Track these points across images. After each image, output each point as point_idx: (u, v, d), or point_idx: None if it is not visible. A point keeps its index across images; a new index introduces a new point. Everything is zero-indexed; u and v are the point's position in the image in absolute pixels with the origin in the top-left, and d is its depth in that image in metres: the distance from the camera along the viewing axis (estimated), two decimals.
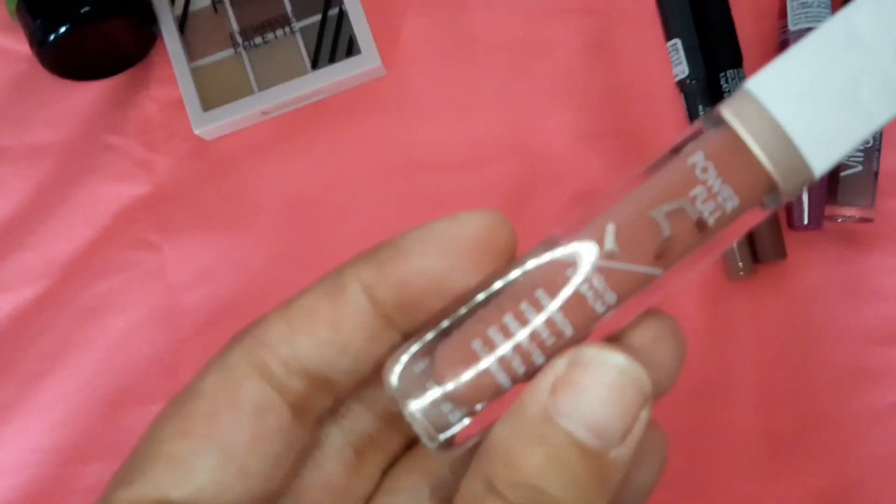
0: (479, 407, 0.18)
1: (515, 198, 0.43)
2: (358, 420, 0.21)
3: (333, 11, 0.43)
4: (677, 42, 0.42)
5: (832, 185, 0.41)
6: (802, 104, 0.17)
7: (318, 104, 0.44)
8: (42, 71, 0.42)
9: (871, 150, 0.41)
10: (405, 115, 0.44)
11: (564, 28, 0.44)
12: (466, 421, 0.18)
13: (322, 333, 0.18)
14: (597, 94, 0.44)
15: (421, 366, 0.18)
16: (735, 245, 0.41)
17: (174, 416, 0.18)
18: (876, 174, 0.41)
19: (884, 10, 0.17)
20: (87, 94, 0.45)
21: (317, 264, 0.44)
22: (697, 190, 0.18)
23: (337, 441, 0.20)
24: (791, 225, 0.42)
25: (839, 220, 0.42)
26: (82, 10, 0.40)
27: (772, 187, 0.18)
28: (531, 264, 0.18)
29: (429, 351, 0.19)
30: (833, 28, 0.17)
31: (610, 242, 0.18)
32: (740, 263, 0.41)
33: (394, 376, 0.18)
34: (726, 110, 0.18)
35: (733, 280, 0.42)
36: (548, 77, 0.44)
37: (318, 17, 0.43)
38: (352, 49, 0.43)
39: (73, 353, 0.43)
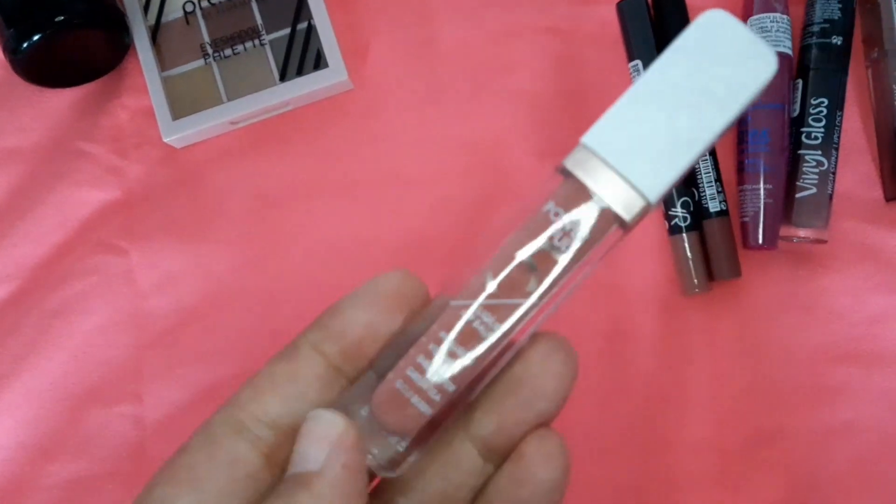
0: (413, 434, 0.22)
1: (476, 212, 0.44)
2: None
3: (302, 25, 0.44)
4: (639, 63, 0.43)
5: (787, 205, 0.42)
6: (630, 146, 0.21)
7: (286, 115, 0.45)
8: (16, 77, 0.43)
9: (826, 172, 0.42)
10: (371, 128, 0.45)
11: (529, 47, 0.45)
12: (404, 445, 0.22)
13: (282, 388, 0.22)
14: (560, 113, 0.44)
15: (365, 409, 0.22)
16: (691, 261, 0.42)
17: (166, 467, 0.22)
18: (830, 196, 0.42)
19: (689, 58, 0.21)
20: (60, 101, 0.46)
21: (281, 273, 0.45)
22: (553, 231, 0.21)
23: None
24: (746, 244, 0.43)
25: (794, 241, 0.43)
26: (56, 20, 0.41)
27: (616, 217, 0.21)
28: (435, 312, 0.22)
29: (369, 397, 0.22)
30: (649, 78, 0.21)
31: (492, 287, 0.22)
32: (695, 280, 0.42)
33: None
34: (568, 162, 0.21)
35: (688, 296, 0.43)
36: (512, 95, 0.45)
37: (287, 31, 0.44)
38: (319, 62, 0.44)
39: (41, 354, 0.44)
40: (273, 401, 0.22)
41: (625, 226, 0.21)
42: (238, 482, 0.21)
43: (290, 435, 0.22)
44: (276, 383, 0.22)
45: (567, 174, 0.21)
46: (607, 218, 0.21)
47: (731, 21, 0.21)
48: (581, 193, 0.21)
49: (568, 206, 0.21)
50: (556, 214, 0.21)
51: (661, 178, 0.21)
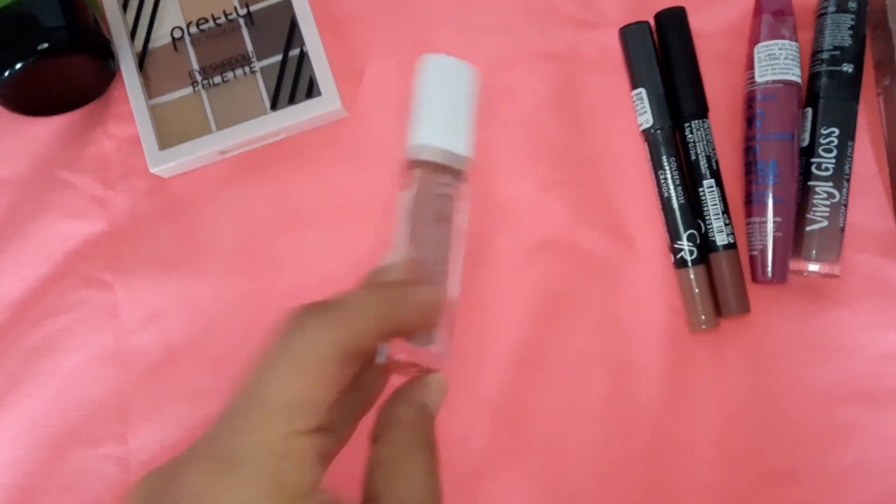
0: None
1: (477, 244, 0.42)
2: None
3: (294, 52, 0.43)
4: (642, 91, 0.42)
5: (797, 238, 0.41)
6: (439, 131, 0.33)
7: (278, 144, 0.44)
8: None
9: (838, 204, 0.40)
10: (365, 158, 0.43)
11: (529, 74, 0.43)
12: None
13: None
14: (560, 142, 0.43)
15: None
16: (697, 296, 0.41)
17: None
18: (842, 229, 0.41)
19: (433, 81, 0.33)
20: (43, 130, 0.44)
21: (271, 307, 0.43)
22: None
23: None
24: (755, 278, 0.41)
25: (804, 275, 0.41)
26: (39, 47, 0.40)
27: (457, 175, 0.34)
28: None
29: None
30: (420, 87, 0.33)
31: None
32: (702, 316, 0.41)
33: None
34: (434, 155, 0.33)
35: (694, 332, 0.41)
36: (511, 124, 0.43)
37: (279, 58, 0.43)
38: (312, 90, 0.42)
39: (22, 392, 0.42)
40: None
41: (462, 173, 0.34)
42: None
43: None
44: None
45: (425, 163, 0.33)
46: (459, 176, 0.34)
47: (440, 57, 0.34)
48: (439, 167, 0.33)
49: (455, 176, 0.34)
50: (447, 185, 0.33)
51: (465, 142, 0.34)
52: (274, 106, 0.42)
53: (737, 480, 0.40)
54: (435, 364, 0.31)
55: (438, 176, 0.33)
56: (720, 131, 0.42)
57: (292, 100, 0.42)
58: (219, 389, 0.42)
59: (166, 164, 0.42)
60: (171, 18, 0.44)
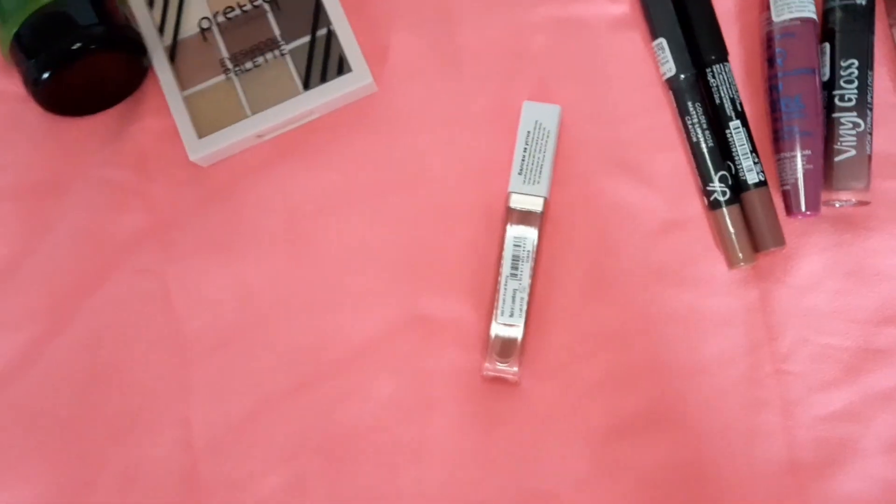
0: None
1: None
2: None
3: (322, 32, 0.44)
4: (662, 41, 0.43)
5: (827, 170, 0.42)
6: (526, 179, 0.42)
7: (313, 124, 0.44)
8: (35, 109, 0.43)
9: (864, 133, 0.41)
10: (398, 130, 0.44)
11: (550, 36, 0.44)
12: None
13: None
14: (586, 102, 0.44)
15: None
16: (733, 234, 0.42)
17: None
18: (869, 157, 0.42)
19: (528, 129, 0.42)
20: (82, 130, 0.45)
21: (318, 282, 0.44)
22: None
23: None
24: (789, 212, 0.42)
25: (836, 205, 0.42)
26: (73, 47, 0.40)
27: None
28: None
29: None
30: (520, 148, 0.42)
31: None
32: (740, 254, 0.42)
33: None
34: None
35: (733, 269, 0.42)
36: (537, 86, 0.44)
37: (307, 38, 0.44)
38: (342, 67, 0.43)
39: (83, 388, 0.43)
40: None
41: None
42: None
43: None
44: None
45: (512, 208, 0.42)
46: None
47: (535, 104, 0.42)
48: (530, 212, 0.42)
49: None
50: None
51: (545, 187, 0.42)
52: (306, 86, 0.43)
53: (787, 413, 0.42)
54: None
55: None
56: (740, 74, 0.43)
57: (324, 78, 0.43)
58: (276, 365, 0.43)
59: (205, 152, 0.43)
60: (197, 10, 0.44)
